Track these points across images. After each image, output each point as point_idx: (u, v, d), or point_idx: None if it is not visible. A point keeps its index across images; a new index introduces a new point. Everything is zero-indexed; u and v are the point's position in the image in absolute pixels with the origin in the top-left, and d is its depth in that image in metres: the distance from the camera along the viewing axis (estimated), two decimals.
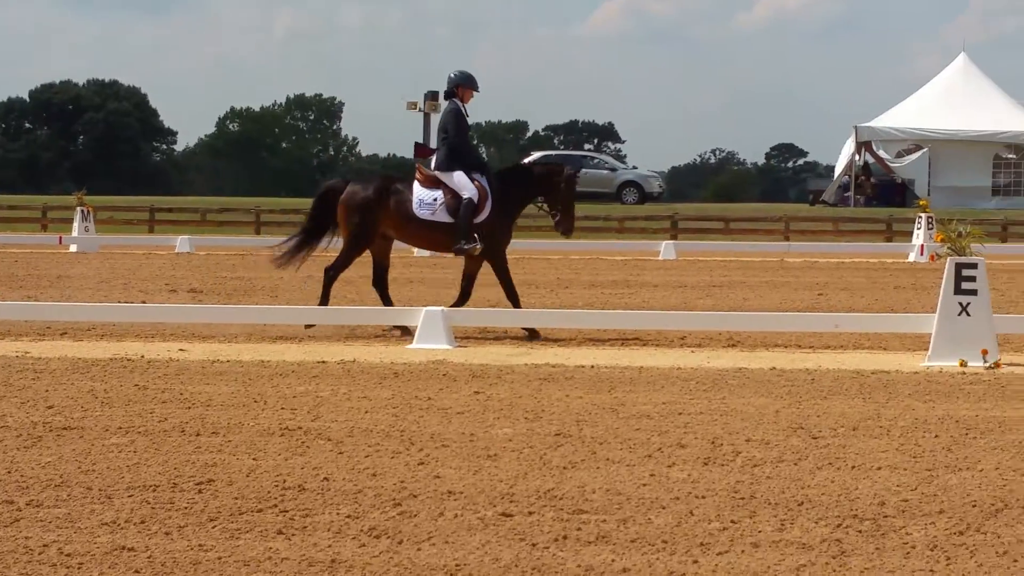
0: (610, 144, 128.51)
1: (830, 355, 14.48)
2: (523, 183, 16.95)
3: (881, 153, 59.15)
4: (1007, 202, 57.49)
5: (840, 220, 46.22)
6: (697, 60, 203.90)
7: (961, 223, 14.60)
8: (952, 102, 58.84)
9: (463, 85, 16.92)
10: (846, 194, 58.85)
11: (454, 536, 7.19)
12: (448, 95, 16.98)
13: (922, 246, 32.96)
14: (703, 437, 9.79)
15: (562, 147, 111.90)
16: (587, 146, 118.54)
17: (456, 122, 16.75)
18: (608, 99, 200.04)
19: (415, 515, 7.60)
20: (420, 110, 50.02)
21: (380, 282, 16.86)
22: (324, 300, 16.73)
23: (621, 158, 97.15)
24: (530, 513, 7.63)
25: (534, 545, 7.03)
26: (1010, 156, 59.34)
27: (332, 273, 16.80)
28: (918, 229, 34.96)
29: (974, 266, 13.78)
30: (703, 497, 7.98)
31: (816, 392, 11.86)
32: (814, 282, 24.97)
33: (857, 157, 58.71)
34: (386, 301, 16.77)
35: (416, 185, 16.67)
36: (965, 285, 13.76)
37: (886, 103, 65.32)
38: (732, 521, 7.45)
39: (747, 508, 7.73)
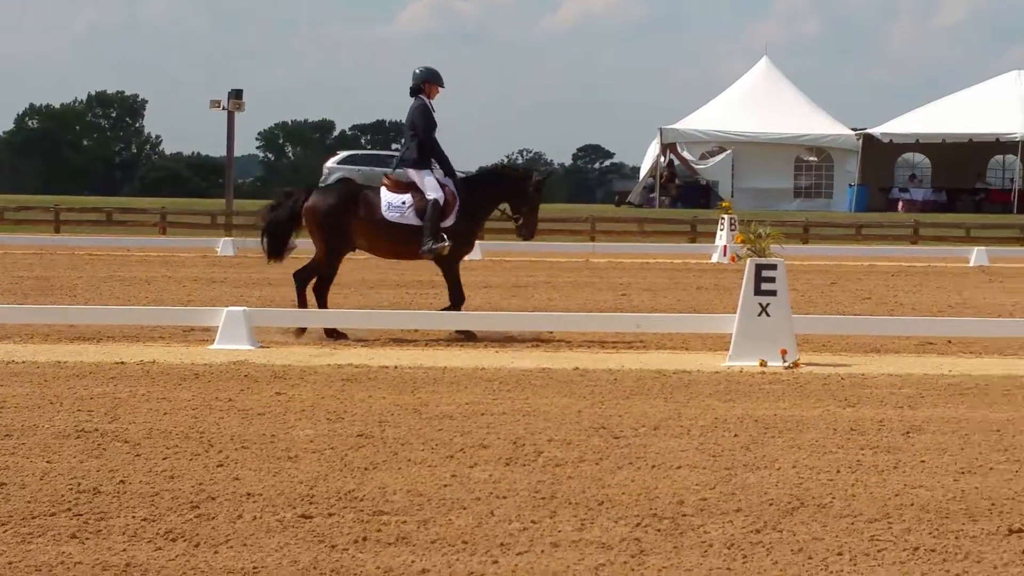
0: None
1: (633, 355, 14.60)
2: (491, 189, 16.93)
3: (686, 155, 59.95)
4: (808, 204, 58.60)
5: (645, 221, 46.70)
6: (504, 61, 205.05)
7: (761, 225, 14.81)
8: (755, 105, 59.84)
9: (429, 81, 16.79)
10: (651, 195, 59.55)
11: (252, 539, 7.10)
12: (414, 91, 16.80)
13: (725, 247, 33.40)
14: (505, 437, 9.79)
15: (369, 147, 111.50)
16: (394, 146, 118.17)
17: (425, 118, 16.60)
18: None
19: (213, 517, 7.49)
20: (224, 108, 49.46)
21: (307, 279, 16.61)
22: (300, 303, 16.47)
23: None
24: (330, 515, 7.56)
25: (333, 547, 6.96)
26: (811, 159, 60.51)
27: (302, 277, 16.54)
28: (721, 230, 35.44)
29: (774, 267, 13.98)
30: (504, 497, 7.98)
31: (618, 392, 11.94)
32: (618, 282, 25.17)
33: (662, 159, 59.43)
34: (322, 303, 16.50)
35: (383, 190, 16.49)
36: (765, 286, 13.96)
37: (691, 105, 66.15)
38: (532, 521, 7.46)
39: (548, 508, 7.74)
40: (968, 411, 11.12)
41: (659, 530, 7.31)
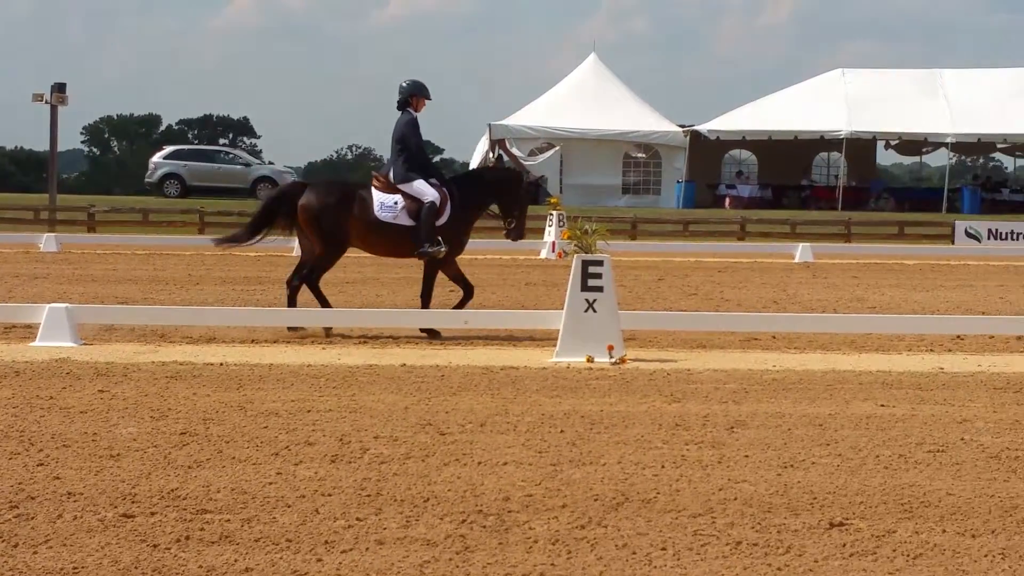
0: (245, 139, 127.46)
1: (460, 351, 14.59)
2: (480, 189, 17.12)
3: (515, 151, 60.12)
4: (637, 200, 59.14)
5: None
6: (332, 55, 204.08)
7: (588, 221, 14.88)
8: (583, 101, 60.25)
9: (417, 95, 16.90)
10: None
11: (72, 538, 6.97)
12: (401, 105, 16.89)
13: (553, 243, 33.59)
14: (331, 435, 9.72)
15: (196, 141, 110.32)
16: (222, 141, 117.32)
17: (414, 133, 16.75)
18: (243, 93, 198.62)
19: (32, 518, 7.34)
20: (47, 102, 48.63)
21: (298, 276, 16.64)
22: (323, 302, 16.60)
23: (257, 153, 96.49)
24: (152, 514, 7.45)
25: (155, 546, 6.86)
26: (640, 155, 61.04)
27: (312, 277, 16.58)
28: (549, 226, 35.62)
29: (600, 263, 14.06)
30: (329, 495, 7.92)
31: (445, 388, 11.92)
32: (447, 279, 25.08)
33: (491, 155, 59.54)
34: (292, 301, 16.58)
35: (374, 191, 16.60)
36: (591, 282, 14.04)
37: (520, 102, 66.48)
38: (358, 519, 7.41)
39: (373, 505, 7.70)
40: (791, 406, 11.26)
41: (484, 527, 7.30)
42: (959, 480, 8.54)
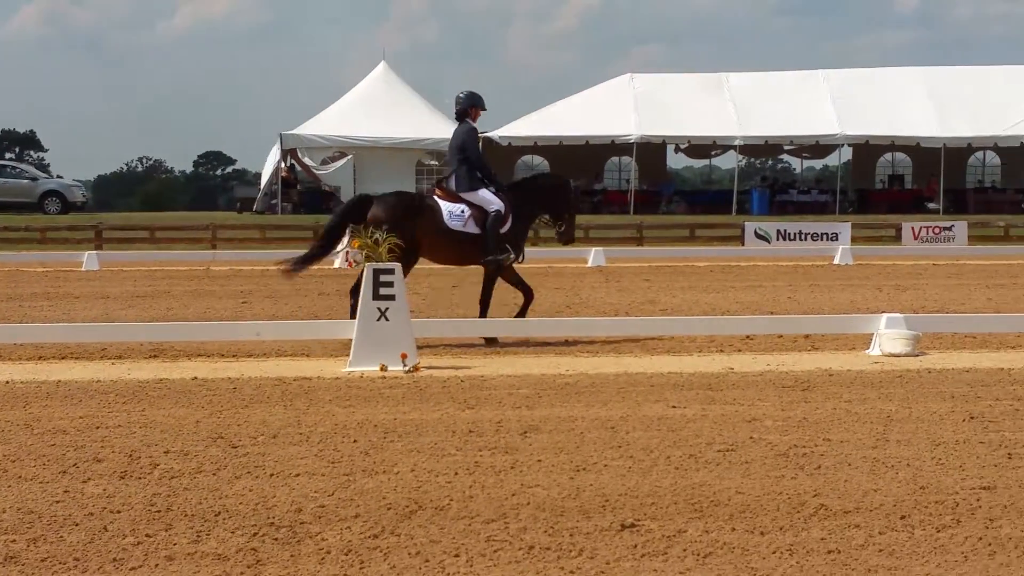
0: (32, 153, 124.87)
1: (253, 363, 14.45)
2: (536, 197, 17.80)
3: (307, 160, 59.76)
4: None
5: (267, 228, 46.37)
6: (120, 67, 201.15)
7: (378, 230, 14.83)
8: (374, 109, 60.08)
9: (475, 106, 17.43)
10: (273, 202, 59.16)
11: None
12: (460, 116, 17.43)
13: (346, 252, 33.40)
14: (120, 451, 9.56)
15: None
16: (8, 155, 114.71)
17: (474, 143, 17.41)
18: (29, 106, 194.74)
19: None
20: None
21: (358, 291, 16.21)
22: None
23: (44, 167, 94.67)
24: None
25: None
26: (432, 162, 61.05)
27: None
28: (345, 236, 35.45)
29: (391, 272, 14.04)
30: (118, 512, 7.78)
31: (238, 401, 11.79)
32: (239, 290, 24.90)
33: (283, 164, 59.12)
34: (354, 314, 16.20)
35: (440, 201, 17.07)
36: (383, 291, 14.01)
37: (311, 110, 66.05)
38: (147, 535, 7.29)
39: (163, 521, 7.58)
40: (584, 409, 11.34)
41: (276, 539, 7.23)
42: (748, 478, 8.67)
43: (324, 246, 17.47)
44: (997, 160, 69.70)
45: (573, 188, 18.00)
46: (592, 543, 7.16)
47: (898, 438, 10.01)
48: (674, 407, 11.42)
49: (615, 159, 68.20)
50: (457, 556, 6.93)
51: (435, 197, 17.18)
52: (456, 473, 8.86)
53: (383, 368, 13.65)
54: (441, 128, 60.72)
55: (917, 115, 59.25)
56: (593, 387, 12.57)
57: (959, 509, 7.84)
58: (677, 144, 65.35)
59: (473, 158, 17.29)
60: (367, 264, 14.14)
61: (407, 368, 13.63)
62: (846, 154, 65.20)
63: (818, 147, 64.84)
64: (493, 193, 17.20)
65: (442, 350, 15.31)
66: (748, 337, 16.29)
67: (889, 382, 12.83)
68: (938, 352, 15.12)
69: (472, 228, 17.07)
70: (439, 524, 7.54)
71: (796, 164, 78.47)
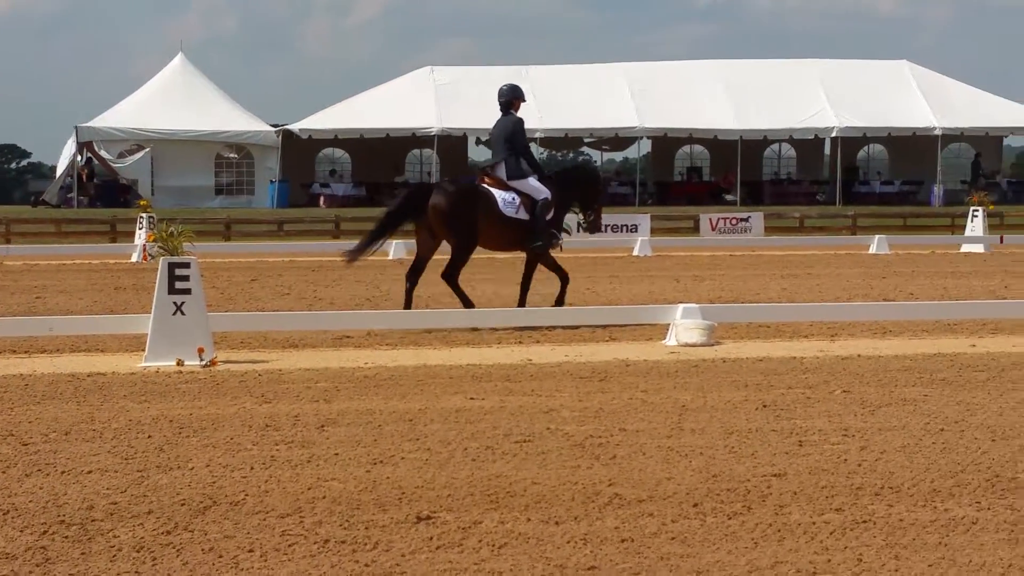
0: None
1: (46, 359, 14.18)
2: (571, 186, 18.71)
3: (103, 153, 58.76)
4: (231, 201, 58.58)
5: (63, 221, 45.62)
6: None
7: (173, 223, 14.66)
8: (172, 101, 59.30)
9: (517, 98, 18.63)
10: (69, 195, 58.14)
11: None
12: (505, 108, 18.51)
13: (144, 246, 32.99)
14: None
15: None
16: None
17: (523, 134, 18.30)
18: None
19: None
20: None
21: (415, 275, 17.91)
22: (465, 302, 17.77)
23: None
24: None
25: None
26: (232, 155, 60.47)
27: (452, 275, 17.88)
28: (140, 229, 35.03)
29: (187, 265, 13.86)
30: None
31: (29, 398, 11.56)
32: (33, 285, 24.42)
33: (79, 157, 58.09)
34: (408, 299, 17.68)
35: (492, 189, 17.97)
36: (179, 284, 13.83)
37: (108, 102, 64.99)
38: None
39: None
40: (382, 402, 11.32)
41: (67, 537, 7.10)
42: (544, 469, 8.72)
43: (380, 233, 17.97)
44: (792, 152, 71.10)
45: (603, 181, 19.28)
46: (388, 536, 7.14)
47: (692, 427, 10.15)
48: (472, 399, 11.46)
49: (416, 152, 68.21)
50: (251, 551, 6.87)
51: (485, 185, 18.01)
52: (252, 468, 8.78)
53: (179, 363, 13.49)
54: (241, 121, 60.22)
55: (715, 108, 60.19)
56: (392, 380, 12.56)
57: (750, 496, 7.96)
58: (478, 137, 65.52)
59: (521, 148, 18.21)
60: (162, 258, 13.94)
61: (204, 362, 13.48)
62: (645, 146, 65.99)
63: (618, 140, 65.50)
64: (539, 181, 18.17)
65: (240, 344, 15.16)
66: (548, 328, 16.40)
67: (685, 372, 13.01)
68: (733, 342, 15.37)
69: (523, 215, 17.96)
70: (233, 519, 7.47)
71: (596, 156, 79.14)
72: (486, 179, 18.19)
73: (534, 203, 17.94)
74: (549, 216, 18.09)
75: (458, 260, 17.97)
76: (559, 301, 18.10)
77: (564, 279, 18.33)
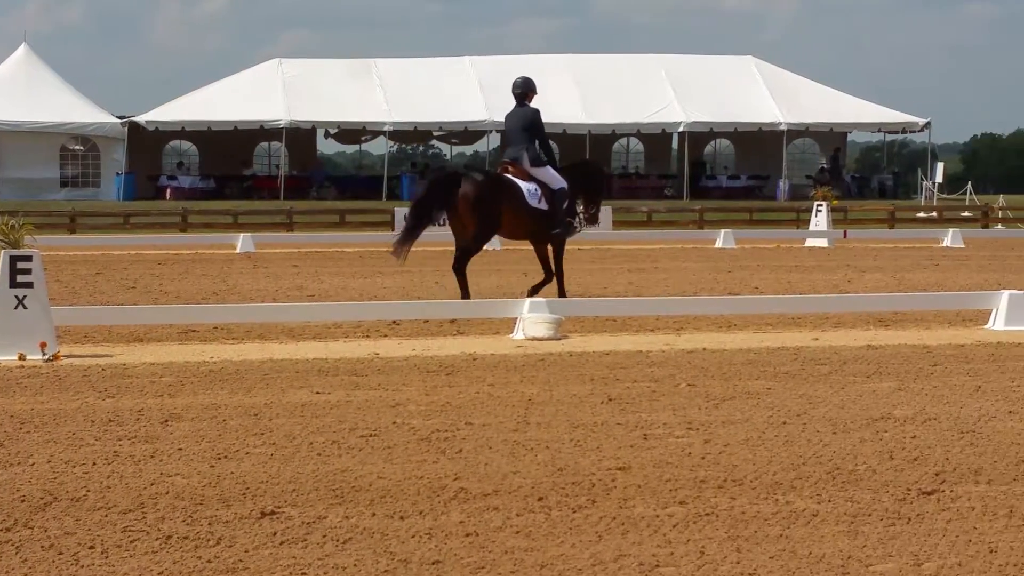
0: None
1: None
2: (580, 179, 19.38)
3: None
4: (76, 193, 57.79)
5: None
6: None
7: (14, 215, 14.42)
8: (15, 93, 58.37)
9: (531, 90, 19.11)
10: None
11: None
12: (520, 99, 19.04)
13: None
14: None
15: None
16: None
17: (541, 124, 18.90)
18: None
19: None
20: None
21: (462, 267, 18.35)
22: (465, 293, 18.08)
23: None
24: None
25: None
26: (77, 147, 59.65)
27: (464, 264, 18.32)
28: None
29: (29, 259, 13.64)
30: None
31: None
32: None
33: None
34: (465, 289, 18.12)
35: (515, 179, 18.55)
36: (21, 278, 13.60)
37: None
38: None
39: None
40: (227, 397, 11.24)
41: None
42: (390, 463, 8.71)
43: (416, 223, 18.37)
44: (641, 147, 71.71)
45: (607, 173, 19.82)
46: (231, 531, 7.09)
47: (538, 421, 10.20)
48: (319, 393, 11.42)
49: (264, 144, 67.82)
50: (92, 548, 6.78)
51: (509, 175, 18.67)
52: (94, 463, 8.68)
53: (21, 357, 13.28)
54: (86, 112, 59.40)
55: (564, 102, 60.44)
56: (237, 374, 12.47)
57: (595, 490, 8.02)
58: (327, 129, 65.30)
59: (541, 137, 18.83)
60: (3, 251, 13.71)
61: (46, 357, 13.28)
62: (495, 140, 66.10)
63: (467, 133, 65.69)
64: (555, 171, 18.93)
65: (84, 339, 14.96)
66: (395, 323, 16.38)
67: (531, 366, 13.07)
68: (581, 335, 15.45)
69: (543, 205, 18.59)
70: (75, 515, 7.37)
71: (446, 150, 79.22)
72: (511, 168, 18.77)
73: (552, 192, 18.62)
74: (565, 205, 18.74)
75: (473, 249, 18.53)
76: (534, 291, 18.50)
77: (549, 277, 18.84)
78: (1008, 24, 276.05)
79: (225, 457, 8.89)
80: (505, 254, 32.15)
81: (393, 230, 42.70)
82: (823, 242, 36.65)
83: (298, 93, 60.12)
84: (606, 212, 45.61)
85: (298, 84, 60.76)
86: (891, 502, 7.74)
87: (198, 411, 10.55)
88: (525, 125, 18.81)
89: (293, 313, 16.63)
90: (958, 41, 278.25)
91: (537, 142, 18.75)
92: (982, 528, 7.22)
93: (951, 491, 8.00)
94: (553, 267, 18.88)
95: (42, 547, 6.80)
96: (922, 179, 63.16)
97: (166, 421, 10.14)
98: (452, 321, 16.45)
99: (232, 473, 8.40)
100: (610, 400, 11.11)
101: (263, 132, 62.54)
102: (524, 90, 19.10)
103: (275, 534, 7.06)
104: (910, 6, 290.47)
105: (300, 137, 62.88)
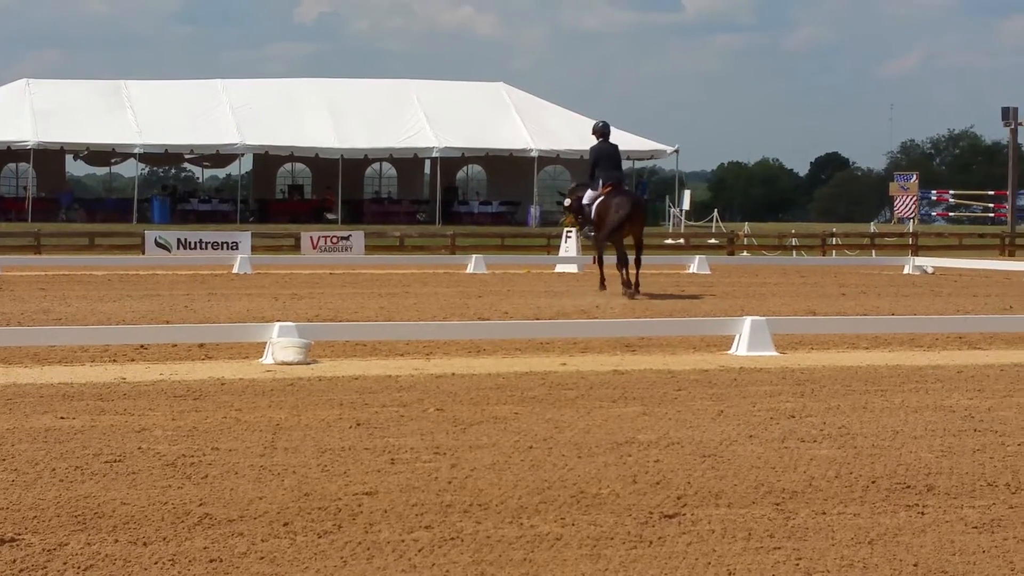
0: None
1: None
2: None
3: None
4: None
5: None
6: None
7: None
8: None
9: (609, 130, 26.92)
10: None
11: None
12: (605, 135, 26.49)
13: None
14: None
15: None
16: None
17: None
18: None
19: None
20: None
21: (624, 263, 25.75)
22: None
23: None
24: None
25: None
26: None
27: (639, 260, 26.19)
28: None
29: None
30: None
31: None
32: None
33: None
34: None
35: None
36: None
37: None
38: None
39: None
40: None
41: None
42: (135, 489, 8.62)
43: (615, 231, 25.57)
44: (393, 172, 71.88)
45: None
46: None
47: (286, 445, 10.18)
48: (63, 418, 11.23)
49: (12, 166, 66.34)
50: None
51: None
52: None
53: None
54: None
55: (316, 126, 60.45)
56: None
57: (341, 515, 8.03)
58: (76, 152, 64.19)
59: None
60: None
61: None
62: (247, 163, 65.73)
63: (219, 156, 65.13)
64: None
65: None
66: (143, 346, 16.18)
67: (280, 390, 13.03)
68: (331, 360, 15.45)
69: None
70: None
71: (198, 173, 78.42)
72: (625, 186, 26.64)
73: None
74: None
75: (642, 248, 26.21)
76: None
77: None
78: (754, 55, 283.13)
79: None
80: (257, 278, 31.99)
81: (143, 253, 42.21)
82: (573, 268, 37.17)
83: (46, 114, 59.04)
84: (358, 236, 45.80)
85: (46, 105, 59.67)
86: (634, 525, 7.90)
87: None
88: (617, 154, 26.42)
89: (38, 336, 16.32)
90: (705, 70, 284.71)
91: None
92: (721, 551, 7.40)
93: (692, 514, 8.19)
94: (637, 258, 25.79)
95: None
96: (670, 206, 64.39)
97: None
98: (201, 345, 16.31)
99: None
100: (358, 425, 11.14)
101: (10, 153, 61.26)
102: (606, 130, 26.52)
103: (14, 561, 6.93)
104: (659, 35, 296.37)
105: (48, 158, 61.71)
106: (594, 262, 28.07)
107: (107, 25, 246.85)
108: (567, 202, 29.32)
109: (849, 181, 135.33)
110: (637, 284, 25.58)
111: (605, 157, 26.05)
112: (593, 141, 26.46)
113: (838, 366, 15.50)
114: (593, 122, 27.26)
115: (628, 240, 25.68)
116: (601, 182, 25.71)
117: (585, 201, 26.26)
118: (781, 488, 8.92)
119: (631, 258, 25.55)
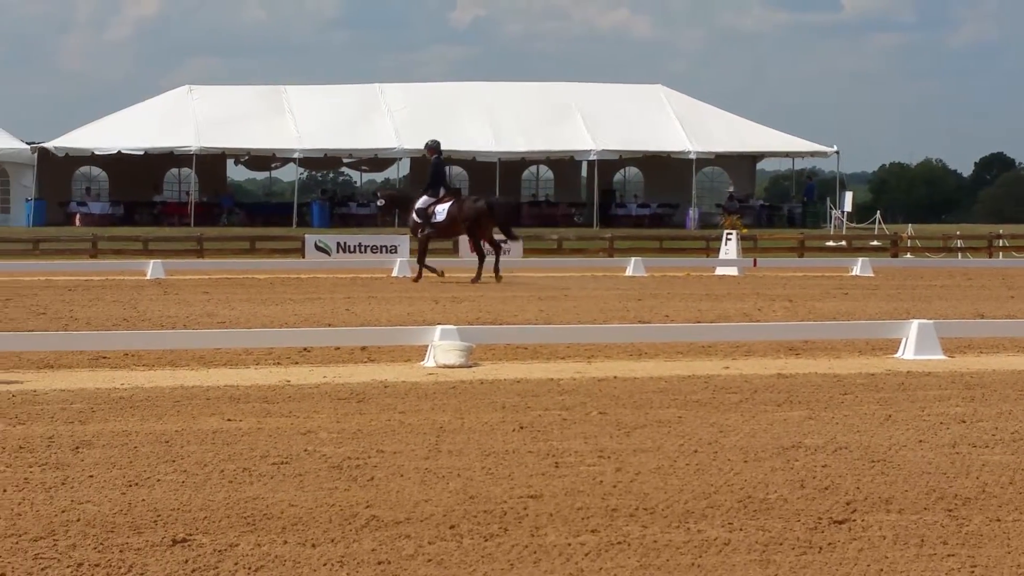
0: None
1: None
2: None
3: None
4: None
5: None
6: None
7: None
8: None
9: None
10: None
11: None
12: (435, 151, 32.03)
13: None
14: None
15: None
16: None
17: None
18: None
19: None
20: None
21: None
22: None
23: None
24: None
25: None
26: None
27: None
28: None
29: None
30: None
31: None
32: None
33: None
34: None
35: None
36: None
37: None
38: None
39: None
40: (138, 423, 11.18)
41: None
42: (302, 491, 8.70)
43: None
44: (550, 174, 71.82)
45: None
46: (142, 559, 7.07)
47: (450, 448, 10.22)
48: (230, 420, 11.38)
49: (175, 171, 67.34)
50: (2, 575, 6.74)
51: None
52: (4, 490, 8.62)
53: None
54: None
55: (473, 130, 60.60)
56: (148, 401, 12.40)
57: (506, 518, 8.04)
58: (237, 156, 65.03)
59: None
60: None
61: None
62: (405, 167, 66.09)
63: (377, 160, 65.61)
64: None
65: None
66: (306, 349, 16.34)
67: (443, 393, 13.08)
68: (492, 363, 15.48)
69: None
70: None
71: (356, 177, 79.07)
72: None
73: None
74: None
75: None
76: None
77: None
78: (914, 53, 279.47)
79: (136, 484, 8.85)
80: (418, 283, 32.15)
81: (303, 257, 42.68)
82: (733, 270, 36.87)
83: (208, 119, 59.86)
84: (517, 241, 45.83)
85: (208, 111, 60.50)
86: (803, 531, 7.82)
87: (109, 438, 10.49)
88: (444, 173, 28.20)
89: (204, 340, 16.56)
90: (864, 70, 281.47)
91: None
92: (893, 557, 7.30)
93: (862, 520, 8.08)
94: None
95: None
96: (831, 208, 63.72)
97: (77, 448, 10.07)
98: (363, 348, 16.43)
99: (143, 500, 8.36)
100: (521, 428, 11.14)
101: (173, 158, 62.19)
102: (435, 146, 31.44)
103: (186, 561, 7.03)
104: (816, 36, 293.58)
105: (210, 163, 62.56)
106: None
107: (266, 31, 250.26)
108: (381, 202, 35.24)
109: (1015, 181, 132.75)
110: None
111: (444, 171, 31.53)
112: (429, 158, 32.71)
113: (1009, 370, 15.23)
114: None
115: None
116: (442, 191, 32.18)
117: (420, 206, 31.90)
118: (953, 494, 8.77)
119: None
